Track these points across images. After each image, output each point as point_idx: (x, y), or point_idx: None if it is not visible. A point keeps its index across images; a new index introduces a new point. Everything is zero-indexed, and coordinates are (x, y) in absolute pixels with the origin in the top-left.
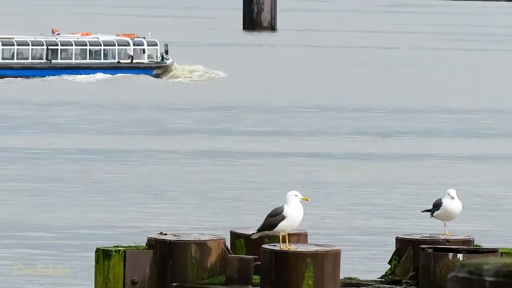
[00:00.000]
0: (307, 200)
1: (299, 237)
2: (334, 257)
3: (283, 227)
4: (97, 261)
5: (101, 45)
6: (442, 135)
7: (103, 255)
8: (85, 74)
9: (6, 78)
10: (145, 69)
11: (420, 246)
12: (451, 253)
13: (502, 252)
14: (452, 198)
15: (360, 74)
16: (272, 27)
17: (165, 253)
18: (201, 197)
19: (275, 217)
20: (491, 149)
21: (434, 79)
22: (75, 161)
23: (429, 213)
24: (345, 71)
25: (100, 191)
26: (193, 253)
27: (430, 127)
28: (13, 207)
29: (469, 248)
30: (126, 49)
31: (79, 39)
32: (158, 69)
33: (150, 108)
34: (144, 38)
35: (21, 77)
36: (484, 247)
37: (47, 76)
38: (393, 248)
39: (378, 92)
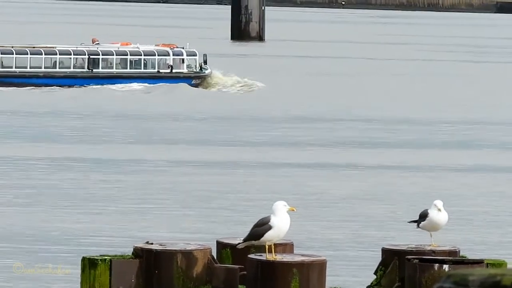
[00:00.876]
0: (293, 210)
1: (285, 247)
2: (320, 267)
3: (269, 237)
4: (83, 270)
5: (141, 55)
6: (431, 146)
7: (89, 264)
8: (125, 83)
9: (48, 87)
10: (184, 79)
11: (406, 256)
12: (437, 264)
13: (487, 263)
14: (439, 210)
15: (349, 84)
16: (260, 38)
17: (151, 262)
18: (188, 206)
19: (262, 227)
20: (478, 160)
21: (424, 90)
22: (70, 170)
23: (416, 223)
24: (333, 81)
25: (89, 200)
26: (179, 262)
27: (419, 138)
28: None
29: (455, 259)
30: (165, 59)
31: (120, 49)
32: (197, 79)
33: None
34: (183, 48)
35: (63, 86)
36: (469, 258)
37: (88, 85)
38: (379, 258)
39: (367, 103)
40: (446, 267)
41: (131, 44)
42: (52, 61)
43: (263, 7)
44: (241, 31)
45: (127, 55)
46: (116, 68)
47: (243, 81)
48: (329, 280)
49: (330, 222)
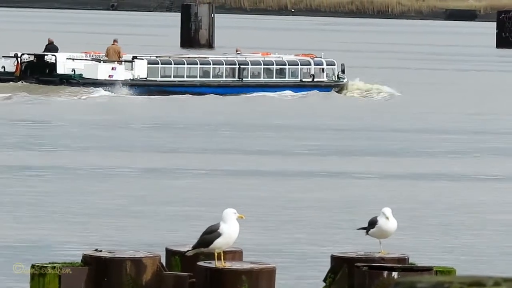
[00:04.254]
0: (242, 218)
1: (234, 254)
2: (269, 274)
3: (218, 244)
4: (32, 277)
5: (285, 65)
6: (382, 154)
7: (38, 272)
8: (272, 92)
9: (204, 95)
10: (325, 88)
11: (355, 264)
12: (386, 271)
13: (436, 270)
14: (387, 218)
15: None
16: (209, 45)
17: (100, 270)
18: (137, 213)
19: (211, 234)
20: (428, 168)
21: (379, 97)
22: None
23: (365, 230)
24: None
25: (39, 206)
26: (128, 270)
27: (370, 145)
28: None
29: (404, 266)
30: (308, 68)
31: (266, 59)
32: (336, 87)
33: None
34: (321, 57)
35: (217, 94)
36: (419, 265)
37: (238, 94)
38: (328, 265)
39: (324, 111)
40: (395, 274)
41: (271, 54)
42: (204, 71)
43: (212, 15)
44: (190, 38)
45: (272, 64)
46: (262, 77)
47: (383, 90)
48: (278, 287)
49: (279, 229)
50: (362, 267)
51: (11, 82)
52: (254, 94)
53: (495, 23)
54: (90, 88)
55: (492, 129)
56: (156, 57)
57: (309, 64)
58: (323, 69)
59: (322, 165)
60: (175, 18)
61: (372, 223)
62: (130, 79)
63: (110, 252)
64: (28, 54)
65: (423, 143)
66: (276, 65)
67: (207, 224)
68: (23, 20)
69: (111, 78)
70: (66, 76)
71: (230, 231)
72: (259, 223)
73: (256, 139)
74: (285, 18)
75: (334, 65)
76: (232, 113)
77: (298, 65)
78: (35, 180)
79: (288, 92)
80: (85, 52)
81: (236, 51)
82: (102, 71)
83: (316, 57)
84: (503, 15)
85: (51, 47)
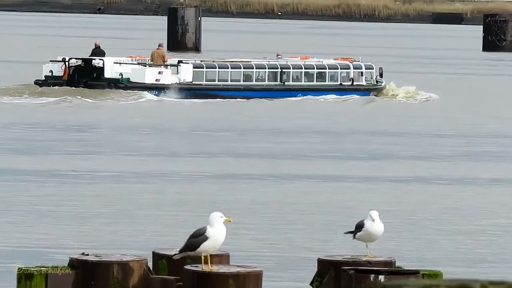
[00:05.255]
0: (229, 221)
1: (221, 258)
2: (255, 278)
3: (205, 248)
4: (19, 281)
5: (326, 69)
6: (367, 157)
7: (24, 276)
8: (313, 95)
9: (248, 99)
10: (364, 91)
11: (342, 267)
12: (373, 275)
13: (423, 274)
14: (373, 220)
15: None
16: (196, 48)
17: (87, 273)
18: (123, 217)
19: (198, 238)
20: (414, 171)
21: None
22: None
23: (352, 234)
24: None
25: (27, 212)
26: (115, 273)
27: (356, 149)
28: None
29: (391, 269)
30: (347, 72)
31: (307, 63)
32: (374, 91)
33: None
34: (359, 61)
35: (259, 98)
36: (405, 268)
37: (281, 98)
38: (315, 269)
39: (307, 113)
40: (381, 277)
41: (309, 58)
42: (246, 75)
43: (199, 18)
44: (177, 41)
45: (313, 68)
46: (304, 81)
47: (418, 92)
48: None
49: (266, 232)
50: (348, 271)
51: (59, 86)
52: (296, 97)
53: (482, 26)
54: (137, 91)
55: (480, 132)
56: (201, 61)
57: (349, 68)
58: (362, 73)
59: (316, 168)
60: (162, 21)
61: (359, 226)
62: (176, 83)
63: (96, 256)
64: (75, 58)
65: (414, 147)
66: (317, 69)
67: (195, 227)
68: (12, 24)
69: (158, 82)
70: (113, 80)
71: (216, 235)
72: (245, 226)
73: (248, 143)
74: (272, 21)
75: (373, 68)
76: (236, 117)
77: (337, 69)
78: (31, 183)
79: (328, 96)
80: (131, 56)
81: (277, 55)
82: (149, 75)
83: (355, 61)
84: (489, 19)
85: (98, 51)
